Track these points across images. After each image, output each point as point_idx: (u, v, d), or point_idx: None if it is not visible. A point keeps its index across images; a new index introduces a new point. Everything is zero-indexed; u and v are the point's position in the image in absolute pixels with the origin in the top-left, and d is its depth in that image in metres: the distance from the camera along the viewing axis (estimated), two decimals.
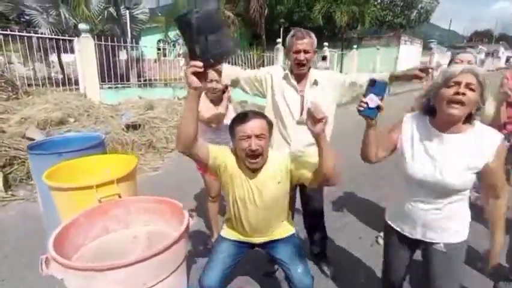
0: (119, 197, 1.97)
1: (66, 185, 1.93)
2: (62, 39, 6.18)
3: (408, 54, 18.68)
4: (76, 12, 8.12)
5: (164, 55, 9.58)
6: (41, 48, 6.14)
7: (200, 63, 1.18)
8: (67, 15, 8.56)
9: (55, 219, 2.04)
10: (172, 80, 8.71)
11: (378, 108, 1.26)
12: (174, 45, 9.94)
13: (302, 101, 1.92)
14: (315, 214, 2.23)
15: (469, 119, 1.26)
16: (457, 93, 1.18)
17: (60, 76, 7.71)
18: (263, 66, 9.60)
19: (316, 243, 2.30)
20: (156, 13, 14.48)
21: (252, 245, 1.73)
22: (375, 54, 15.97)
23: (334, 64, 14.25)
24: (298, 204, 2.25)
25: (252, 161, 1.46)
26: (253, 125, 1.43)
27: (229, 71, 1.97)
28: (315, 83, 1.93)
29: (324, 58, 14.12)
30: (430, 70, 1.73)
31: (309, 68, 1.93)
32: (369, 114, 1.28)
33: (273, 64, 9.81)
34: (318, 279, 2.13)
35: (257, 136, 1.43)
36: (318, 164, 1.38)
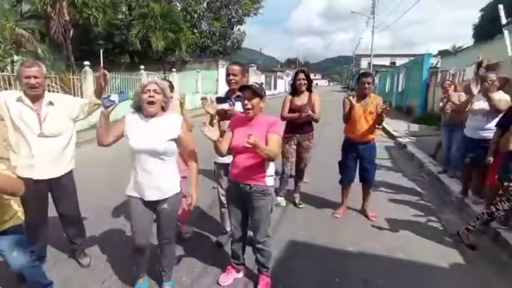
0: None
1: None
2: None
3: None
4: None
5: None
6: None
7: None
8: None
9: None
10: None
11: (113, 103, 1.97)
12: None
13: (39, 118, 2.28)
14: (68, 214, 2.58)
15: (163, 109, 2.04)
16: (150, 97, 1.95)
17: None
18: (78, 89, 9.10)
19: (72, 238, 2.67)
20: None
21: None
22: (197, 76, 17.70)
23: None
24: None
25: None
26: None
27: None
28: (51, 103, 2.33)
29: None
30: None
31: (44, 91, 2.32)
32: (106, 103, 1.95)
33: (81, 88, 9.48)
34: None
35: None
36: None
